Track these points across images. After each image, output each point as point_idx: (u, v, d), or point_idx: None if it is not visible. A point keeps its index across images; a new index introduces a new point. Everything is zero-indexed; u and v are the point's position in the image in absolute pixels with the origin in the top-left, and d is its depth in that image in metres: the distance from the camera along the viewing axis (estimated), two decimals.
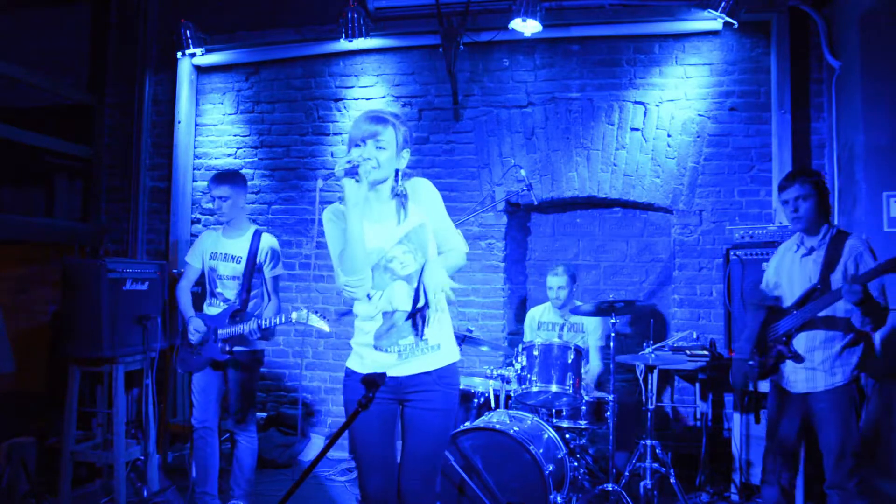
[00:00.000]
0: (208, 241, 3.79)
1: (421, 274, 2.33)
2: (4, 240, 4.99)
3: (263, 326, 3.53)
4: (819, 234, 3.11)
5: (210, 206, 3.72)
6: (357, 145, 2.24)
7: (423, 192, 2.36)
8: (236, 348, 3.62)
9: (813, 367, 3.02)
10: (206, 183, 5.65)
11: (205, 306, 3.76)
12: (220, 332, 3.60)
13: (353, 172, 2.14)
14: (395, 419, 2.41)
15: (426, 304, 2.33)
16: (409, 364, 2.34)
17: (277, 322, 3.52)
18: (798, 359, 3.04)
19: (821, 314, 2.99)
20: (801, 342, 3.07)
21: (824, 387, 3.00)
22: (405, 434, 2.40)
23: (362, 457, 2.38)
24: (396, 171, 2.32)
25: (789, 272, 3.20)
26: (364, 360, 2.40)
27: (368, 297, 2.34)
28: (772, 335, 3.17)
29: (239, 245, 3.69)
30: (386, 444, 2.39)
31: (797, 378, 3.07)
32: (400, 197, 2.34)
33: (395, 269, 2.32)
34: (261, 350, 3.74)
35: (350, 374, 2.43)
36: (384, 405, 2.35)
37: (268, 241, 3.73)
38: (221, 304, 3.68)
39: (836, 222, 4.50)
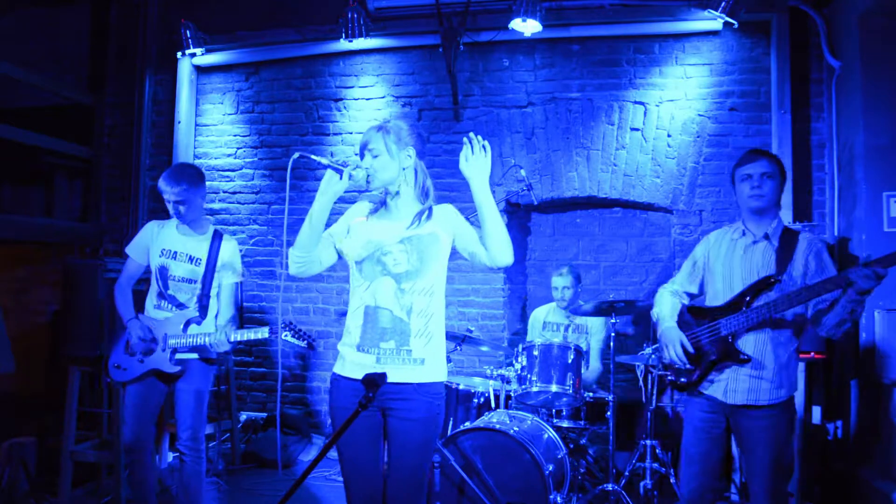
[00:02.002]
0: (158, 234, 3.36)
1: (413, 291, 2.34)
2: (4, 240, 4.99)
3: (234, 340, 3.21)
4: (772, 223, 2.74)
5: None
6: (362, 157, 2.42)
7: (445, 213, 2.49)
8: (188, 356, 3.27)
9: (759, 377, 2.63)
10: (206, 183, 5.63)
11: (151, 308, 3.34)
12: (171, 340, 3.23)
13: (337, 169, 2.30)
14: (379, 429, 2.37)
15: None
16: (387, 371, 2.25)
17: (253, 337, 3.22)
18: (746, 360, 2.63)
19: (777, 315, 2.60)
20: (748, 345, 2.66)
21: (767, 400, 2.62)
22: (388, 445, 2.37)
23: (347, 465, 2.37)
24: (409, 171, 2.45)
25: (728, 262, 2.78)
26: (346, 361, 2.40)
27: (354, 292, 2.41)
28: (710, 335, 2.74)
29: (199, 245, 3.34)
30: (370, 452, 2.36)
31: (737, 387, 2.66)
32: (424, 208, 2.44)
33: (386, 263, 2.35)
34: (216, 357, 3.37)
35: (334, 379, 2.42)
36: (367, 413, 2.28)
37: (230, 245, 3.41)
38: (173, 308, 3.30)
39: (836, 222, 4.51)
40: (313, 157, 2.35)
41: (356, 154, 2.43)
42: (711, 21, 4.61)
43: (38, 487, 3.91)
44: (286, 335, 3.17)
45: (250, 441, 5.05)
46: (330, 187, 2.32)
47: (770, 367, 2.64)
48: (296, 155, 2.34)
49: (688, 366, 2.78)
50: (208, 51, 5.45)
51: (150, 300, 3.35)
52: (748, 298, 2.66)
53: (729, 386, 2.68)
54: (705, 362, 2.73)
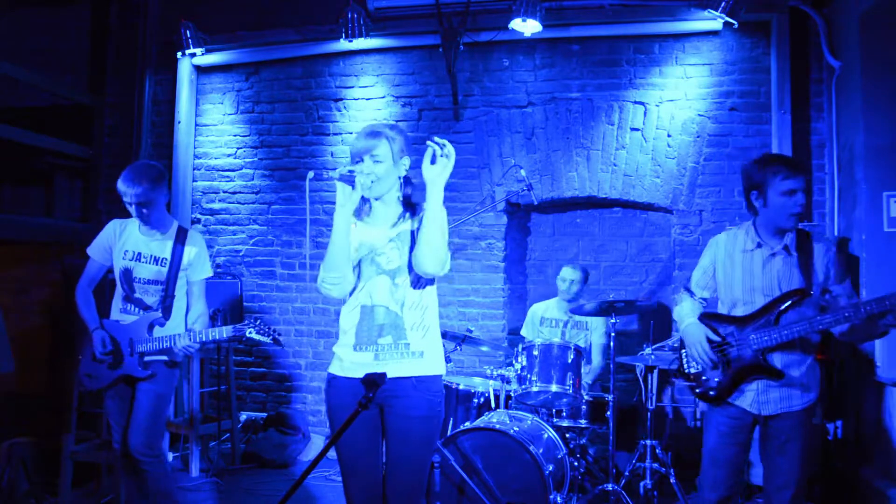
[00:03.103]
0: (120, 235, 3.21)
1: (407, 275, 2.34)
2: (4, 240, 4.99)
3: (198, 339, 3.09)
4: (788, 235, 2.68)
5: (132, 207, 3.14)
6: (357, 161, 2.36)
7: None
8: (155, 359, 3.15)
9: (790, 385, 2.63)
10: (206, 183, 5.66)
11: (117, 311, 3.21)
12: (138, 345, 3.11)
13: (349, 180, 2.27)
14: (377, 425, 2.37)
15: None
16: (387, 366, 2.26)
17: (217, 336, 3.11)
18: (779, 376, 2.61)
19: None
20: (776, 357, 2.65)
21: (800, 405, 2.63)
22: (386, 441, 2.36)
23: (346, 463, 2.36)
24: (401, 179, 2.41)
25: (748, 273, 2.72)
26: (343, 362, 2.38)
27: (350, 294, 2.41)
28: (738, 348, 2.70)
29: (163, 245, 3.20)
30: (369, 450, 2.36)
31: (769, 398, 2.65)
32: (410, 207, 2.41)
33: (380, 262, 2.36)
34: (180, 362, 3.27)
35: (331, 379, 2.41)
36: (365, 411, 2.24)
37: (195, 240, 3.27)
38: (140, 311, 3.17)
39: (836, 222, 4.51)
40: (332, 175, 2.26)
41: (355, 160, 2.39)
42: (711, 21, 4.61)
43: (38, 487, 3.91)
44: (250, 332, 3.10)
45: (250, 441, 5.05)
46: (347, 199, 2.28)
47: (798, 375, 2.65)
48: (310, 174, 2.31)
49: (713, 362, 2.71)
50: (208, 51, 5.45)
51: (116, 303, 3.22)
52: (778, 312, 2.61)
53: (760, 398, 2.66)
54: (732, 373, 2.69)
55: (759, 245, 2.71)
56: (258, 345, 5.51)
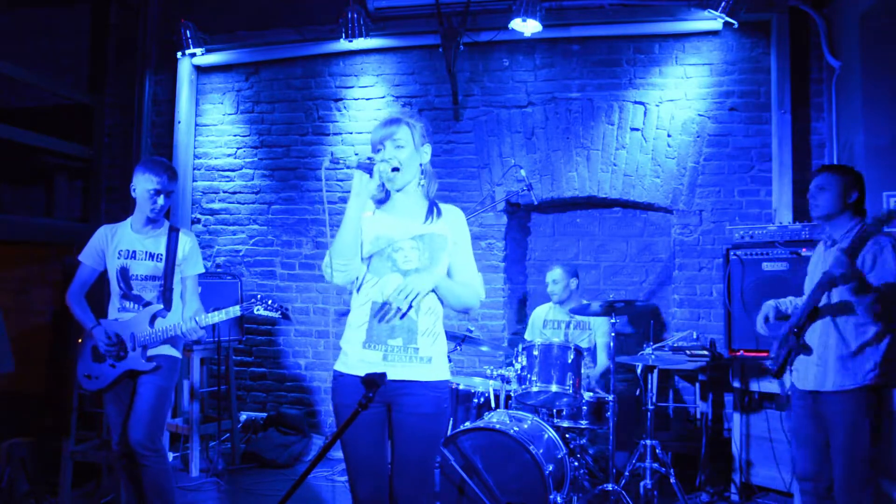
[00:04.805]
0: (112, 237, 3.25)
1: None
2: (4, 240, 4.99)
3: (205, 323, 3.13)
4: (845, 228, 2.95)
5: (154, 202, 3.19)
6: (377, 150, 2.35)
7: (456, 217, 2.47)
8: (159, 353, 3.17)
9: (824, 365, 2.86)
10: (206, 183, 5.66)
11: (115, 311, 3.22)
12: (141, 338, 3.13)
13: (367, 168, 2.25)
14: (383, 423, 2.37)
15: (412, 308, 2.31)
16: (395, 368, 2.27)
17: (226, 317, 3.17)
18: (806, 350, 2.89)
19: (835, 304, 2.84)
20: (814, 336, 2.92)
21: (832, 387, 2.84)
22: (393, 439, 2.36)
23: (352, 461, 2.36)
24: (421, 167, 2.42)
25: (815, 267, 3.07)
26: (349, 358, 2.37)
27: (358, 289, 2.39)
28: (788, 328, 3.01)
29: (157, 242, 3.25)
30: (376, 448, 2.35)
31: (807, 375, 2.93)
32: (432, 204, 2.43)
33: (397, 259, 2.33)
34: (180, 357, 3.29)
35: (337, 376, 2.40)
36: (371, 409, 2.27)
37: (188, 235, 3.35)
38: (139, 307, 3.19)
39: None
40: (349, 163, 2.30)
41: (376, 149, 2.37)
42: (711, 21, 4.61)
43: (38, 487, 3.91)
44: (258, 308, 3.14)
45: (250, 441, 5.05)
46: (363, 187, 2.27)
47: (832, 357, 2.85)
48: (326, 161, 2.30)
49: (766, 333, 3.10)
50: (208, 51, 5.45)
51: (114, 303, 3.23)
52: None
53: (800, 374, 2.97)
54: (785, 351, 2.99)
55: (824, 242, 3.08)
56: (259, 344, 5.51)
